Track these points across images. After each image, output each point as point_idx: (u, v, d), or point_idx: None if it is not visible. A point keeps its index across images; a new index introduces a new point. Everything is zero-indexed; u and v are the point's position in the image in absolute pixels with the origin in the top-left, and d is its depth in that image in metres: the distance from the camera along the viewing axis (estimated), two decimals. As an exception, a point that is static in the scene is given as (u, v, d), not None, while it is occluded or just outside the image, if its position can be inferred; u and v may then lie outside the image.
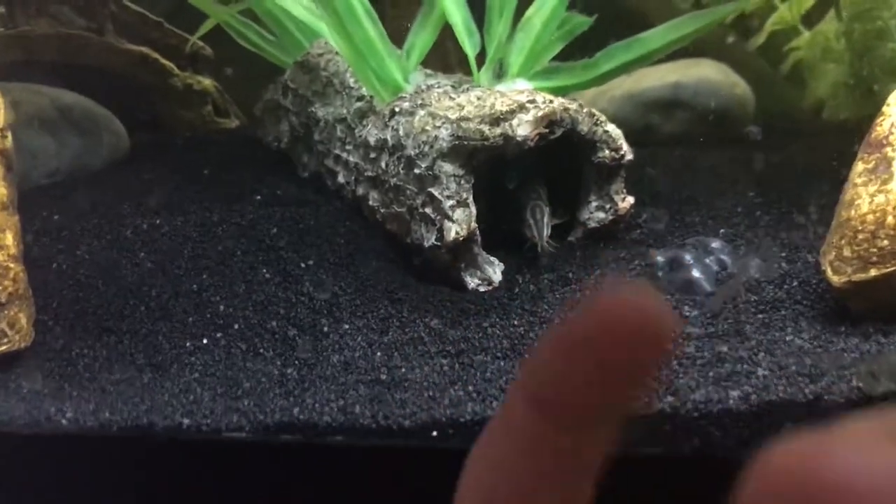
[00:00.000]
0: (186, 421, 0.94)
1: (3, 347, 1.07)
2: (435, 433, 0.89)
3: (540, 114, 1.08)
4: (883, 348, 0.90)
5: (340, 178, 1.36)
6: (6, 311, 1.07)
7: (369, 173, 1.27)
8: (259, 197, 1.43)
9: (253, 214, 1.36)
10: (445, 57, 1.60)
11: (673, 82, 1.58)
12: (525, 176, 1.22)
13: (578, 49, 1.39)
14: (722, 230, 1.20)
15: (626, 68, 1.32)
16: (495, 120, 1.09)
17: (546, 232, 1.17)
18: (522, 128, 1.08)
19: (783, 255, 1.12)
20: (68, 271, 1.26)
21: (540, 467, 0.32)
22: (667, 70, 1.63)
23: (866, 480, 0.22)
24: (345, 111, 1.37)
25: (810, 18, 2.05)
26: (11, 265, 1.09)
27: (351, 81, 1.39)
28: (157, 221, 1.36)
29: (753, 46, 2.01)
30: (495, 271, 1.15)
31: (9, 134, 1.16)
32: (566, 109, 1.11)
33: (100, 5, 1.82)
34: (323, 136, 1.42)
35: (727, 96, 1.63)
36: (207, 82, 1.98)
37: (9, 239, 1.10)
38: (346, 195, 1.35)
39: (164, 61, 1.90)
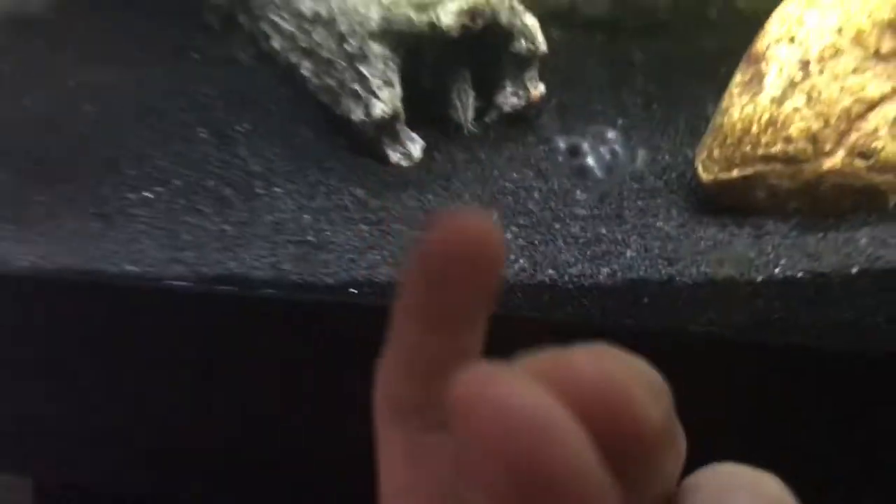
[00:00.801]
0: (133, 269, 1.07)
1: (-40, 192, 1.17)
2: (354, 290, 1.03)
3: (465, 5, 1.19)
4: (734, 239, 1.07)
5: (275, 44, 1.44)
6: (-39, 160, 1.17)
7: (303, 44, 1.35)
8: (196, 56, 1.50)
9: (190, 74, 1.44)
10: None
11: (596, -32, 1.67)
12: (451, 60, 1.32)
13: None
14: (620, 121, 1.34)
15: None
16: (422, 6, 1.19)
17: (470, 115, 1.29)
18: (446, 17, 1.18)
19: (668, 148, 1.27)
20: (15, 123, 1.34)
21: (423, 371, 0.37)
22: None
23: (506, 411, 0.29)
24: (282, -22, 1.44)
25: None
26: (-35, 116, 1.17)
27: (289, -51, 1.45)
28: (98, 77, 1.43)
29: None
30: (416, 147, 1.28)
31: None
32: (488, 2, 1.21)
33: None
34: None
35: (646, -16, 1.73)
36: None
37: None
38: (281, 61, 1.44)
39: None
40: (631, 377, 0.33)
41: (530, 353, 0.34)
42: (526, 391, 0.29)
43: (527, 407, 0.29)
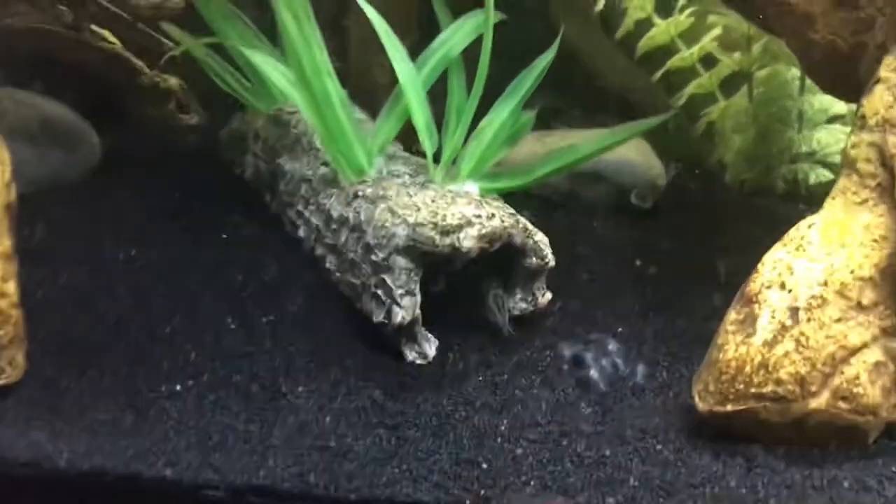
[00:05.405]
0: (169, 472, 1.13)
1: (2, 382, 1.24)
2: (374, 508, 1.11)
3: (483, 231, 1.30)
4: (727, 471, 1.16)
5: (301, 233, 1.54)
6: (7, 352, 1.24)
7: (329, 241, 1.46)
8: (225, 236, 1.60)
9: (219, 256, 1.54)
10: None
11: (597, 159, 1.79)
12: (470, 272, 1.42)
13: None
14: (619, 329, 1.45)
15: (559, 171, 1.53)
16: (446, 231, 1.30)
17: (507, 317, 1.41)
18: (467, 241, 1.29)
19: (665, 364, 1.37)
20: (53, 301, 1.41)
21: None
22: (595, 145, 1.84)
23: None
24: (310, 172, 1.55)
25: (727, 84, 2.30)
26: (13, 312, 1.24)
27: (318, 143, 1.56)
28: (133, 253, 1.53)
29: (675, 104, 2.24)
30: (431, 347, 1.37)
31: (13, 187, 1.29)
32: (505, 227, 1.33)
33: (79, 4, 1.91)
34: (288, 188, 1.59)
35: (643, 176, 1.87)
36: (173, 81, 2.10)
37: (11, 287, 1.25)
38: (305, 249, 1.54)
39: (134, 60, 2.02)
40: None
41: None
42: None
43: None
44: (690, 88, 2.23)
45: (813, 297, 1.20)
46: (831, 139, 2.08)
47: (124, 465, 1.14)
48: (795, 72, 2.12)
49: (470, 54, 1.57)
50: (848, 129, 2.09)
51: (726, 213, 1.98)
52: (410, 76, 1.43)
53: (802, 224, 1.28)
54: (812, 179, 2.08)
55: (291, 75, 1.49)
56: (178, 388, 1.29)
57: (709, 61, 2.21)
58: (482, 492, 1.11)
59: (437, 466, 1.16)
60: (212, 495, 1.12)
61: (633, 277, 1.61)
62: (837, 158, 2.07)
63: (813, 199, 1.90)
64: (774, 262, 1.25)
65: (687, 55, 2.19)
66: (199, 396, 1.28)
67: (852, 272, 1.20)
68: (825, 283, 1.20)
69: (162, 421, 1.23)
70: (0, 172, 1.26)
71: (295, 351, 1.36)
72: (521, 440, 1.22)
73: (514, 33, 1.65)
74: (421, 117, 1.43)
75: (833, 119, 2.11)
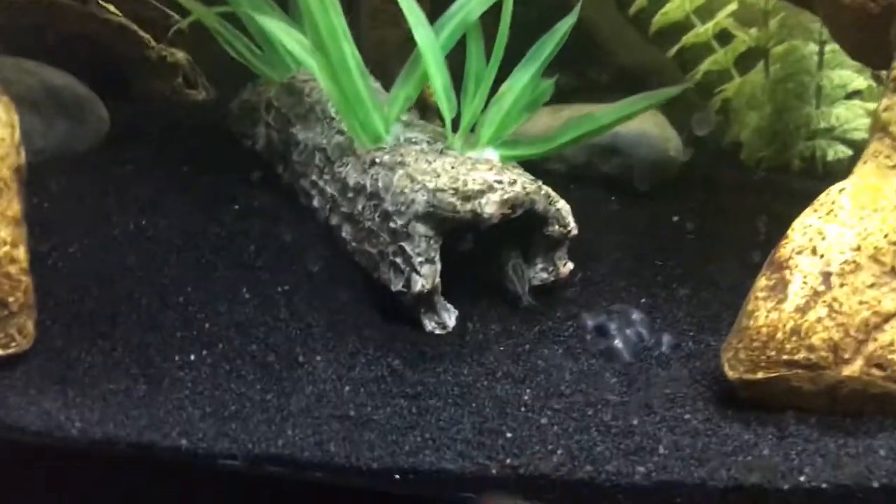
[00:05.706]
0: (184, 442, 1.10)
1: (12, 350, 1.21)
2: (397, 476, 1.07)
3: (505, 196, 1.27)
4: (759, 440, 1.13)
5: (315, 203, 1.51)
6: (17, 319, 1.20)
7: (345, 209, 1.42)
8: (237, 206, 1.56)
9: (232, 227, 1.50)
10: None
11: (614, 131, 1.75)
12: (491, 239, 1.39)
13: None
14: (643, 299, 1.41)
15: (578, 140, 1.50)
16: (466, 196, 1.26)
17: (527, 287, 1.37)
18: (489, 207, 1.26)
19: (691, 334, 1.34)
20: (63, 270, 1.38)
21: None
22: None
23: None
24: (325, 141, 1.52)
25: (743, 61, 2.26)
26: (23, 277, 1.21)
27: (332, 112, 1.53)
28: (143, 223, 1.49)
29: (691, 81, 2.20)
30: (450, 317, 1.34)
31: (22, 150, 1.26)
32: (527, 193, 1.29)
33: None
34: (302, 157, 1.56)
35: (660, 150, 1.83)
36: (180, 55, 2.07)
37: (20, 253, 1.21)
38: (320, 219, 1.50)
39: (141, 33, 1.98)
40: None
41: None
42: None
43: None
44: (705, 65, 2.20)
45: (846, 262, 1.16)
46: (850, 115, 2.04)
47: (137, 434, 1.11)
48: (813, 47, 2.09)
49: (485, 27, 1.54)
50: (868, 104, 2.08)
51: (743, 189, 1.95)
52: (429, 40, 1.40)
53: (833, 189, 1.25)
54: (830, 156, 2.04)
55: (306, 41, 1.46)
56: (192, 357, 1.26)
57: (724, 37, 2.19)
58: (507, 460, 1.09)
59: (461, 435, 1.13)
60: (229, 465, 1.09)
61: (653, 250, 1.58)
62: (856, 134, 2.05)
63: (830, 175, 1.88)
64: (805, 228, 1.22)
65: (702, 31, 2.15)
66: (214, 366, 1.25)
67: (886, 236, 1.17)
68: (858, 248, 1.17)
69: (176, 390, 1.19)
70: (10, 134, 1.22)
71: (311, 321, 1.33)
72: (545, 409, 1.19)
73: (528, 9, 1.61)
74: (439, 82, 1.39)
75: (852, 95, 2.07)
